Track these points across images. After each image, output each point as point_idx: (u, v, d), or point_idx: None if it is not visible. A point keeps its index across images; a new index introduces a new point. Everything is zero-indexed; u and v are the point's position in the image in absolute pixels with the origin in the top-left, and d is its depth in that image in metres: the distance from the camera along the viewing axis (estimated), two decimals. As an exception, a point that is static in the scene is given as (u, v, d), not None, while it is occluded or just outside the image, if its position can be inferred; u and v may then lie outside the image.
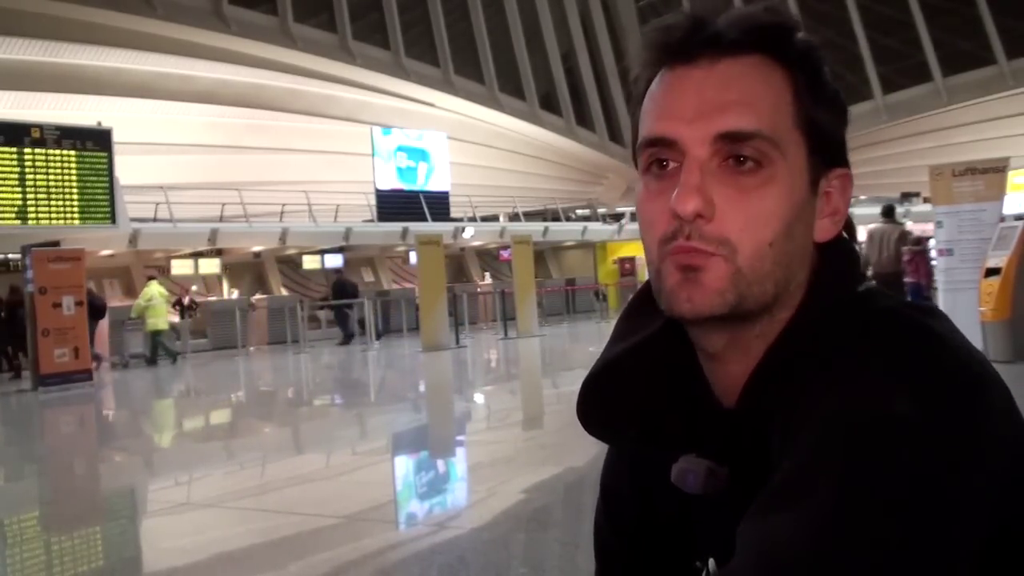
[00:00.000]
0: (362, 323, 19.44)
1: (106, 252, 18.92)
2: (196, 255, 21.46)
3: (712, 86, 0.66)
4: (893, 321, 0.64)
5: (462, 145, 27.91)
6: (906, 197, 29.68)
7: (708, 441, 0.72)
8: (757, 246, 0.65)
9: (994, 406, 0.60)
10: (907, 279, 11.18)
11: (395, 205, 24.65)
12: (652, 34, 0.70)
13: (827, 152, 0.69)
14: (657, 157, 0.68)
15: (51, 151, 15.03)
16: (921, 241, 12.17)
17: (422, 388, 12.07)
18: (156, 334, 16.46)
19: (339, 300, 19.31)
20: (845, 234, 0.72)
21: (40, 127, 15.16)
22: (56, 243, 14.53)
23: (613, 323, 0.80)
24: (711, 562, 0.76)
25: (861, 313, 0.65)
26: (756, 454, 0.64)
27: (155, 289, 16.56)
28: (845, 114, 0.72)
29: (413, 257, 21.27)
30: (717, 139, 0.65)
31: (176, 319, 19.46)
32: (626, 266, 29.30)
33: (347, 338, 19.20)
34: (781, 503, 0.57)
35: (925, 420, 0.56)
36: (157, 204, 19.93)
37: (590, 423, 0.78)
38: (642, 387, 0.75)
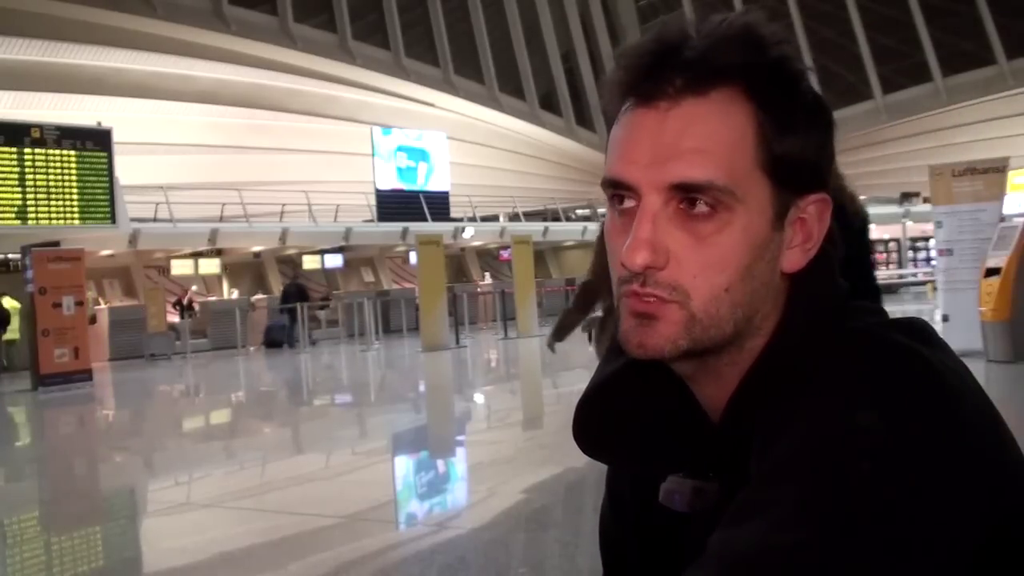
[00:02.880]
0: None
1: (106, 252, 18.92)
2: (196, 255, 21.47)
3: (668, 131, 0.65)
4: (865, 341, 0.64)
5: (462, 145, 27.91)
6: (906, 197, 29.70)
7: (697, 457, 0.73)
8: (712, 292, 0.65)
9: (966, 418, 0.60)
10: None
11: (395, 205, 24.65)
12: (619, 60, 0.69)
13: (798, 181, 0.67)
14: (618, 195, 0.67)
15: (51, 151, 15.04)
16: None
17: (422, 388, 12.07)
18: None
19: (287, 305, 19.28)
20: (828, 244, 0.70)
21: (40, 127, 15.17)
22: (56, 243, 14.53)
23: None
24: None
25: (833, 335, 0.65)
26: (742, 470, 0.65)
27: None
28: (823, 129, 0.68)
29: (413, 257, 21.29)
30: (670, 188, 0.64)
31: (176, 319, 19.48)
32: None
33: (278, 344, 19.13)
34: (744, 513, 0.58)
35: (889, 433, 0.57)
36: (157, 204, 19.93)
37: (586, 446, 0.78)
38: (631, 408, 0.75)
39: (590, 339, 4.35)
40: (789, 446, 0.59)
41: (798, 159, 0.67)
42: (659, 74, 0.65)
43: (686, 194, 0.64)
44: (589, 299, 4.17)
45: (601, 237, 4.00)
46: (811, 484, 0.56)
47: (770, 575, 0.54)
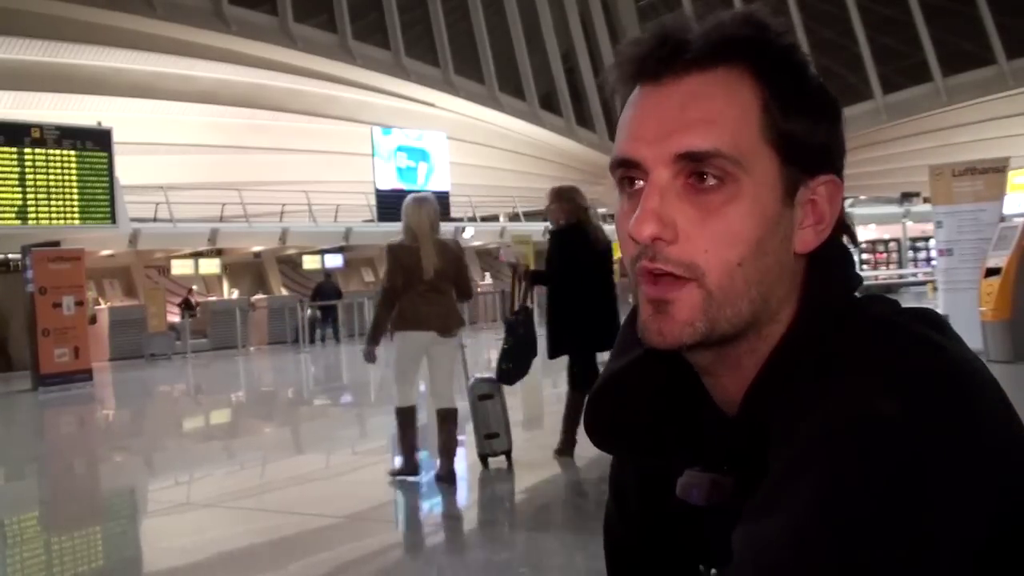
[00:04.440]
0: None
1: (106, 252, 18.91)
2: (196, 255, 21.47)
3: (673, 106, 0.65)
4: (883, 329, 0.64)
5: (462, 145, 27.90)
6: (906, 197, 29.69)
7: (713, 450, 0.73)
8: (725, 267, 0.64)
9: (984, 409, 0.60)
10: None
11: (395, 205, 24.48)
12: (623, 49, 0.69)
13: (807, 160, 0.67)
14: (626, 176, 0.68)
15: (51, 151, 15.03)
16: None
17: (422, 388, 12.06)
18: None
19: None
20: (846, 237, 0.71)
21: (40, 127, 15.16)
22: (56, 243, 14.53)
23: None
24: (712, 572, 0.77)
25: (852, 323, 0.65)
26: (759, 462, 0.64)
27: None
28: (831, 115, 0.69)
29: (413, 257, 21.26)
30: (677, 159, 0.64)
31: (176, 319, 19.49)
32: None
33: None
34: (768, 507, 0.58)
35: (908, 421, 0.57)
36: (157, 204, 19.93)
37: (598, 439, 0.79)
38: (645, 401, 0.75)
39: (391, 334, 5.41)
40: (809, 436, 0.59)
41: (806, 138, 0.67)
42: (664, 54, 0.66)
43: (693, 164, 0.64)
44: (392, 300, 5.25)
45: (391, 249, 5.25)
46: (834, 475, 0.56)
47: (796, 571, 0.54)
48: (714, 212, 0.64)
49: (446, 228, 25.12)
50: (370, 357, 5.52)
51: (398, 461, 5.57)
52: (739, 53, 0.66)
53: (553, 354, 5.68)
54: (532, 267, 5.81)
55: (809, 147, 0.67)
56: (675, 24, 0.68)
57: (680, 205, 0.65)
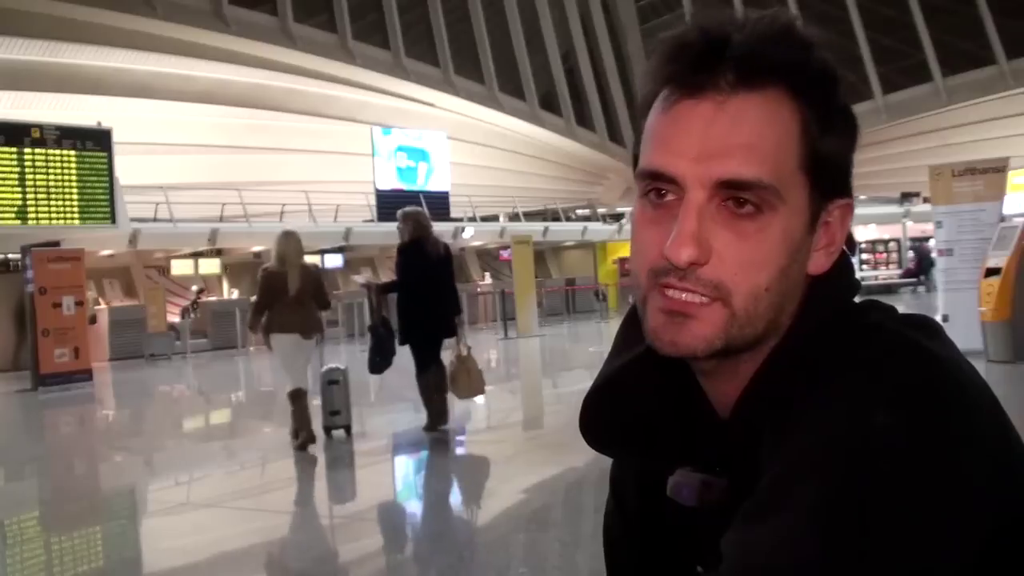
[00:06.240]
0: None
1: (106, 252, 18.91)
2: (196, 255, 21.47)
3: (718, 126, 0.64)
4: (878, 336, 0.64)
5: (462, 145, 27.90)
6: (906, 197, 29.70)
7: (706, 452, 0.72)
8: (753, 291, 0.64)
9: (978, 418, 0.60)
10: None
11: (395, 205, 24.54)
12: (664, 49, 0.67)
13: (831, 184, 0.68)
14: (656, 188, 0.66)
15: (51, 151, 15.03)
16: None
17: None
18: None
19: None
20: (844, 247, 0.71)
21: (40, 127, 15.16)
22: (56, 243, 14.53)
23: (613, 323, 0.80)
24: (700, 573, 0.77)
25: (847, 330, 0.65)
26: (751, 465, 0.64)
27: None
28: (855, 135, 0.69)
29: (413, 257, 21.27)
30: (718, 184, 0.64)
31: (176, 319, 19.50)
32: (626, 266, 29.21)
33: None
34: (762, 514, 0.58)
35: (904, 432, 0.56)
36: (157, 204, 19.91)
37: (592, 439, 0.78)
38: (640, 402, 0.75)
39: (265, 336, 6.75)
40: (805, 442, 0.59)
41: (835, 161, 0.67)
42: (709, 66, 0.65)
43: (733, 191, 0.64)
44: (261, 311, 6.70)
45: (265, 273, 6.59)
46: (830, 484, 0.56)
47: None
48: (748, 237, 0.64)
49: (446, 228, 25.04)
50: (259, 336, 7.03)
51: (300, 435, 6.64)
52: (782, 74, 0.65)
53: (403, 342, 6.81)
54: (380, 282, 7.36)
55: (836, 170, 0.67)
56: (715, 31, 0.66)
57: (714, 227, 0.64)
